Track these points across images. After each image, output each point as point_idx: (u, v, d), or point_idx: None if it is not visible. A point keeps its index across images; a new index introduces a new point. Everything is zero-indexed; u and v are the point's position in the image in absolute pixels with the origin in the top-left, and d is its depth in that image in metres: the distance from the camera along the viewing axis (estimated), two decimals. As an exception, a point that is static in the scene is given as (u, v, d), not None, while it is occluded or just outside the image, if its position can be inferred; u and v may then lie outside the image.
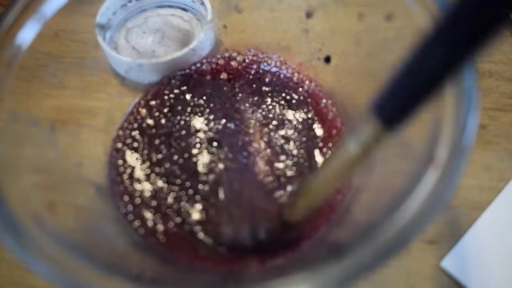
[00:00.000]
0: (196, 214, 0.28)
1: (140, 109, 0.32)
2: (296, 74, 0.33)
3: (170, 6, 0.36)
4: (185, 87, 0.32)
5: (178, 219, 0.28)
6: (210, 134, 0.31)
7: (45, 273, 0.19)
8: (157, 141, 0.30)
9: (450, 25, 0.14)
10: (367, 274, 0.18)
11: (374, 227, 0.20)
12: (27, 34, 0.25)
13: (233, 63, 0.33)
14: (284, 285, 0.17)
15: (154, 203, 0.28)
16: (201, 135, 0.31)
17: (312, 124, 0.31)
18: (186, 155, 0.30)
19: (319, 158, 0.29)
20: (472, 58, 0.15)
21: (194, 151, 0.30)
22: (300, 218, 0.26)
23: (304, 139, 0.30)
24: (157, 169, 0.29)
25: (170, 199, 0.28)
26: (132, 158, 0.30)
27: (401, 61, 0.16)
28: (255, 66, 0.33)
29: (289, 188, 0.28)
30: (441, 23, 0.14)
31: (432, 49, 0.15)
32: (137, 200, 0.28)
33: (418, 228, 0.19)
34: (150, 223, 0.28)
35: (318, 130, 0.30)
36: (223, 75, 0.33)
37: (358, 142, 0.19)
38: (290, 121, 0.31)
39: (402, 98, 0.17)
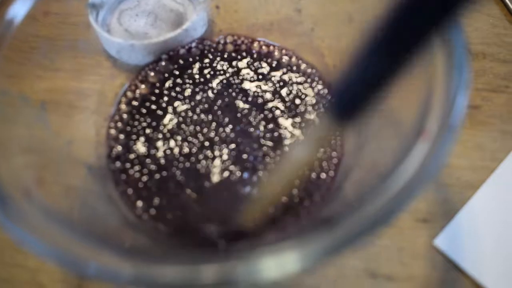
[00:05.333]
0: (189, 194, 0.28)
1: (132, 90, 0.32)
2: (289, 54, 0.32)
3: (163, -12, 0.36)
4: (176, 67, 0.32)
5: (170, 200, 0.28)
6: (203, 113, 0.30)
7: (34, 246, 0.19)
8: (150, 121, 0.30)
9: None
10: (355, 244, 0.18)
11: (363, 200, 0.20)
12: (17, 12, 0.25)
13: (226, 46, 0.33)
14: (273, 252, 0.17)
15: (147, 183, 0.28)
16: (194, 114, 0.30)
17: (304, 102, 0.31)
18: (179, 135, 0.30)
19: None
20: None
21: (188, 131, 0.30)
22: (254, 222, 0.26)
23: (295, 116, 0.30)
24: (151, 150, 0.29)
25: (163, 179, 0.28)
26: (125, 138, 0.30)
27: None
28: (246, 49, 0.33)
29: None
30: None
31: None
32: (130, 180, 0.28)
33: (405, 200, 0.19)
34: (142, 203, 0.28)
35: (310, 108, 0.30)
36: (216, 57, 0.33)
37: (311, 143, 0.21)
38: (282, 98, 0.31)
39: (350, 99, 0.19)
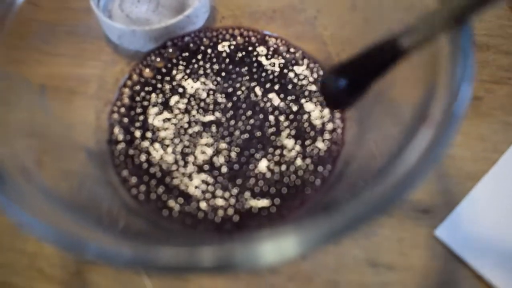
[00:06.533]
0: (190, 179, 0.28)
1: (135, 75, 0.32)
2: (290, 44, 0.32)
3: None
4: (181, 54, 0.32)
5: (171, 184, 0.28)
6: (205, 98, 0.30)
7: (33, 227, 0.18)
8: (152, 106, 0.30)
9: None
10: (354, 230, 0.18)
11: (364, 187, 0.20)
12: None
13: (232, 35, 0.33)
14: (272, 237, 0.17)
15: (147, 167, 0.28)
16: (196, 100, 0.30)
17: (307, 92, 0.31)
18: (181, 121, 0.30)
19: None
20: None
21: (190, 117, 0.30)
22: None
23: (296, 108, 0.30)
24: (152, 135, 0.29)
25: (165, 165, 0.28)
26: (127, 122, 0.30)
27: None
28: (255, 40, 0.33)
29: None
30: None
31: None
32: (130, 165, 0.28)
33: (405, 188, 0.18)
34: (142, 188, 0.27)
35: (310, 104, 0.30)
36: (219, 46, 0.33)
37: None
38: (283, 85, 0.31)
39: None
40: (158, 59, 0.32)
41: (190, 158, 0.28)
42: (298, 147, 0.28)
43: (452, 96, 0.20)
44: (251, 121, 0.29)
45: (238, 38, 0.33)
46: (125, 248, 0.18)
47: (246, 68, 0.32)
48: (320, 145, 0.29)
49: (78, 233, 0.19)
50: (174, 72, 0.32)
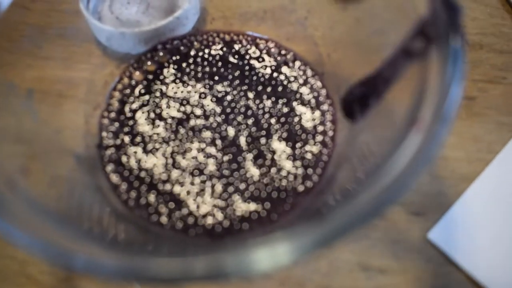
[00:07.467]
0: (181, 184, 0.27)
1: (125, 78, 0.31)
2: (281, 46, 0.32)
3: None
4: (172, 57, 0.32)
5: (162, 190, 0.27)
6: (196, 102, 0.30)
7: (19, 239, 0.18)
8: (142, 111, 0.30)
9: None
10: (347, 235, 0.17)
11: (356, 190, 0.19)
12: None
13: (218, 39, 0.33)
14: (264, 244, 0.17)
15: (137, 173, 0.28)
16: (187, 104, 0.30)
17: (299, 94, 0.30)
18: (172, 125, 0.29)
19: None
20: None
21: (180, 121, 0.29)
22: None
23: (287, 109, 0.30)
24: (142, 139, 0.29)
25: (155, 170, 0.28)
26: (116, 128, 0.29)
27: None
28: (240, 42, 0.33)
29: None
30: None
31: None
32: (120, 170, 0.28)
33: (397, 191, 0.18)
34: (132, 194, 0.27)
35: (302, 107, 0.30)
36: (210, 50, 0.32)
37: None
38: (276, 89, 0.31)
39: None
40: (149, 63, 0.32)
41: (181, 163, 0.28)
42: (289, 150, 0.28)
43: (442, 98, 0.20)
44: (242, 125, 0.29)
45: (229, 41, 0.33)
46: (114, 260, 0.18)
47: (237, 71, 0.31)
48: (311, 147, 0.28)
49: (66, 244, 0.18)
50: (164, 75, 0.31)
